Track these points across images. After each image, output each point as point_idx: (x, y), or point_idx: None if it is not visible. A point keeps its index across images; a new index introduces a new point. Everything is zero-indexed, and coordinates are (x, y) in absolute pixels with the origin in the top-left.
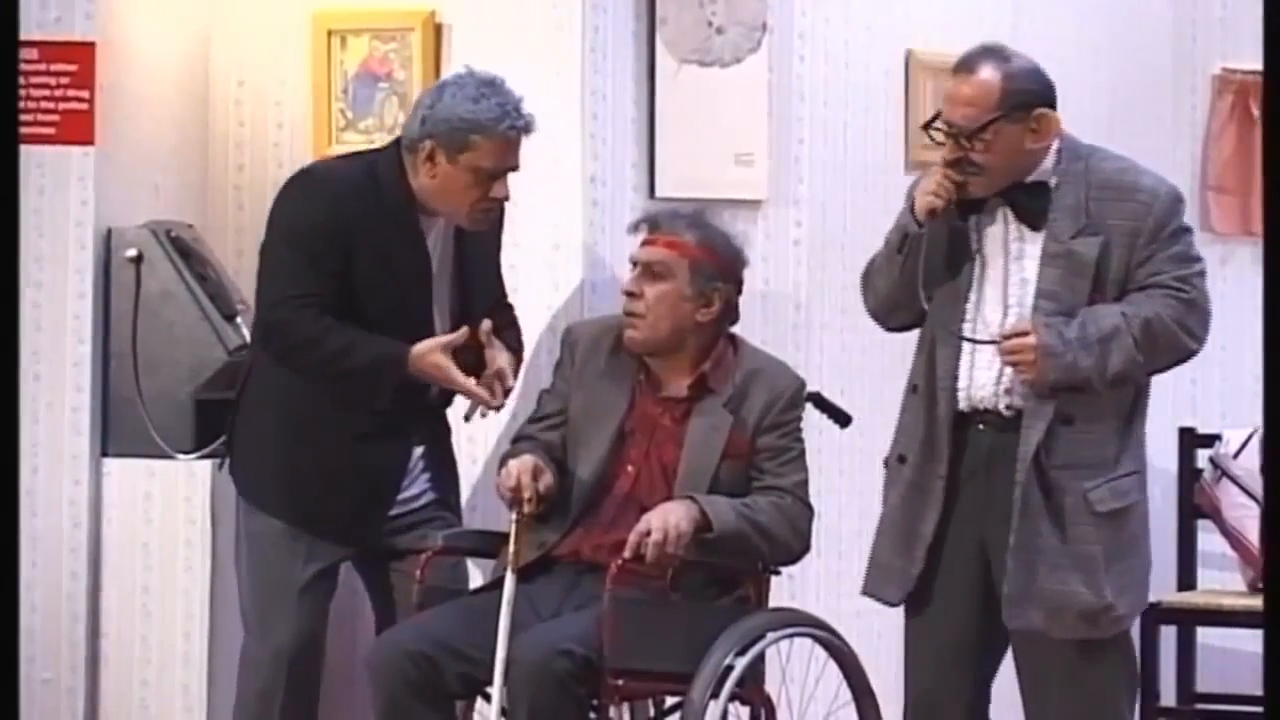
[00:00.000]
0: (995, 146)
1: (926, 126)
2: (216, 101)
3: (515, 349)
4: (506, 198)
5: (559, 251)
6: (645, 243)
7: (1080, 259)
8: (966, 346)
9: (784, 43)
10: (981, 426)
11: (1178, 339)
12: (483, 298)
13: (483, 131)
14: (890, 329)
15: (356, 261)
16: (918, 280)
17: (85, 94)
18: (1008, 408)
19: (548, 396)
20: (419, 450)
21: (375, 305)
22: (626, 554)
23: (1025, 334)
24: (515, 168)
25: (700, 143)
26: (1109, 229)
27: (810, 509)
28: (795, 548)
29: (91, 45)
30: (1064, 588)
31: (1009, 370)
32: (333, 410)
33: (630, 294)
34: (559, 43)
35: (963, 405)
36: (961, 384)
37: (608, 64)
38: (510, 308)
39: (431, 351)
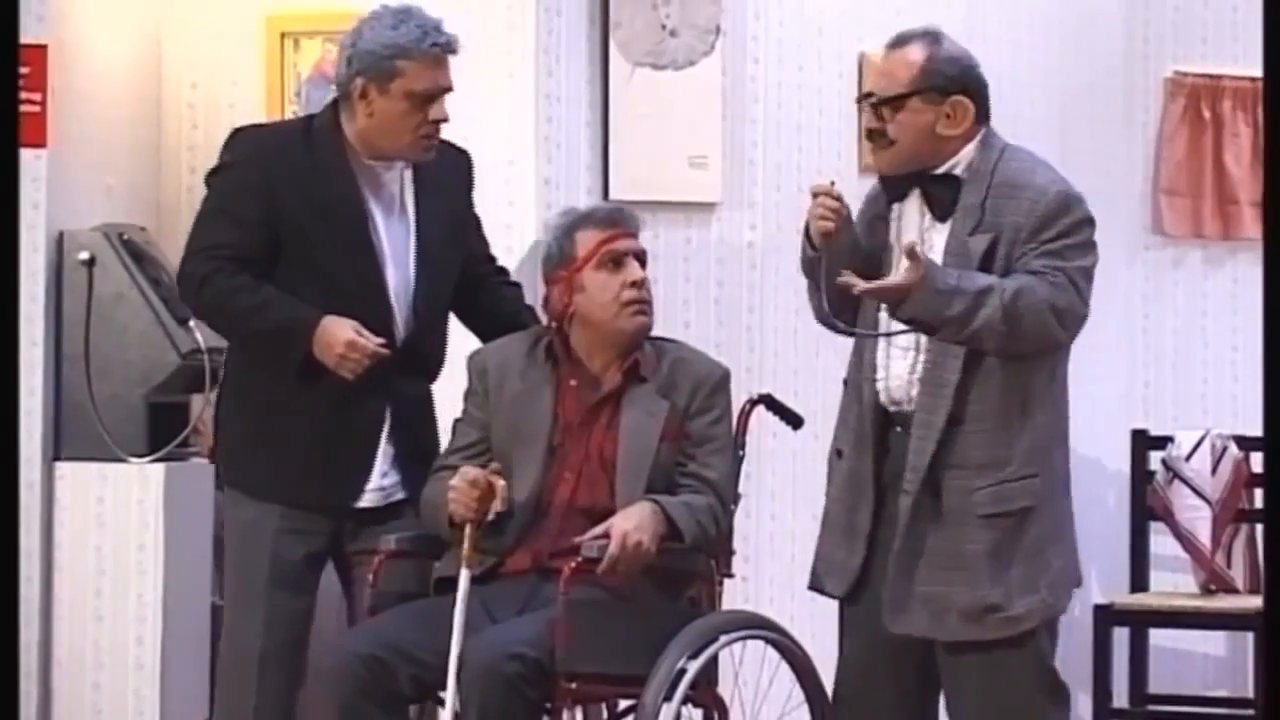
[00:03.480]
0: (904, 121)
1: (859, 101)
2: (169, 104)
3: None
4: (445, 119)
5: (512, 254)
6: (624, 235)
7: (972, 255)
8: (883, 340)
9: (737, 45)
10: (899, 429)
11: (1044, 317)
12: (446, 257)
13: (407, 55)
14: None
15: (284, 210)
16: (828, 297)
17: (37, 96)
18: (913, 400)
19: (463, 426)
20: (388, 411)
21: (313, 254)
22: (601, 569)
23: (906, 277)
24: (448, 88)
25: (654, 145)
26: (1000, 226)
27: (725, 502)
28: (715, 542)
29: (43, 47)
30: (944, 589)
31: (922, 362)
32: (300, 379)
33: (640, 283)
34: (512, 45)
35: (882, 399)
36: (879, 375)
37: (561, 67)
38: (504, 270)
39: (342, 327)
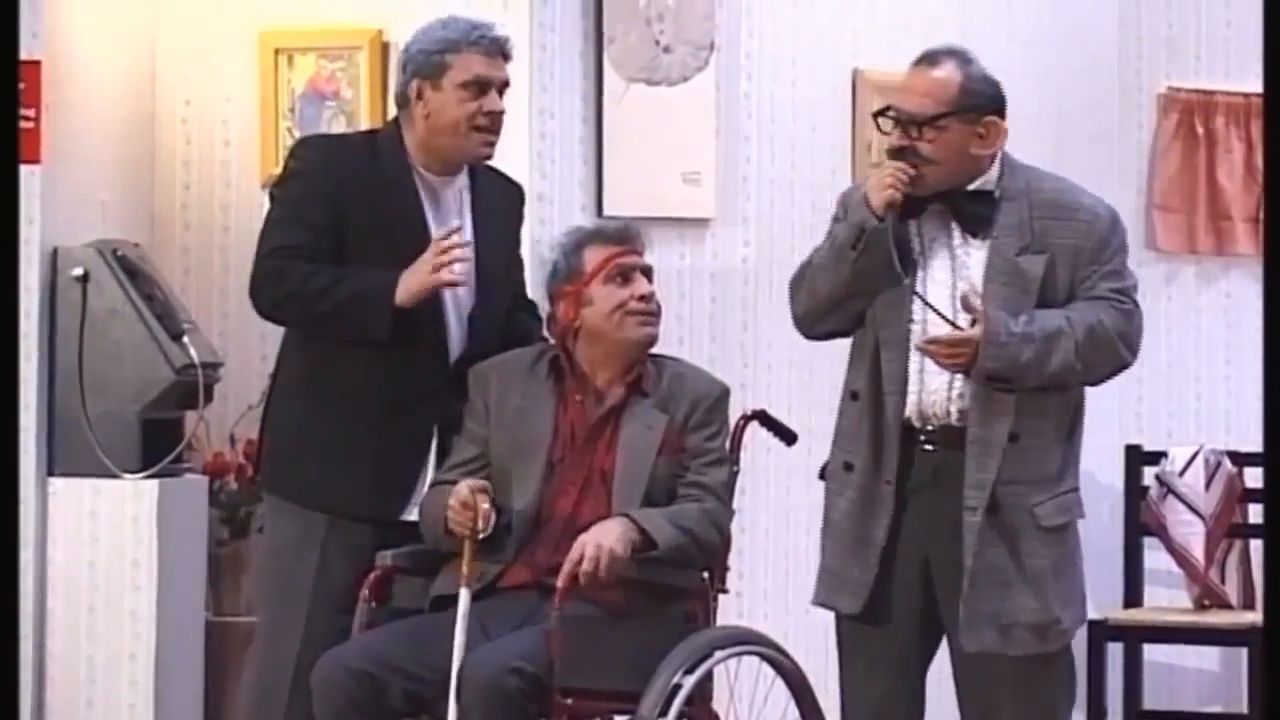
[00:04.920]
0: (943, 141)
1: (878, 115)
2: (163, 120)
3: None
4: (500, 111)
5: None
6: (632, 251)
7: (1027, 275)
8: (914, 352)
9: (731, 62)
10: (929, 446)
11: (1116, 348)
12: (500, 276)
13: (456, 49)
14: (813, 337)
15: (350, 220)
16: (876, 275)
17: (31, 112)
18: (959, 415)
19: (462, 441)
20: (436, 427)
21: (374, 264)
22: (561, 581)
23: (970, 332)
24: (503, 82)
25: (648, 161)
26: (1053, 247)
27: (730, 509)
28: (717, 549)
29: (37, 64)
30: (1013, 604)
31: (963, 380)
32: (352, 389)
33: (649, 297)
34: None
35: (910, 413)
36: (912, 389)
37: (555, 83)
38: (532, 303)
39: (418, 262)
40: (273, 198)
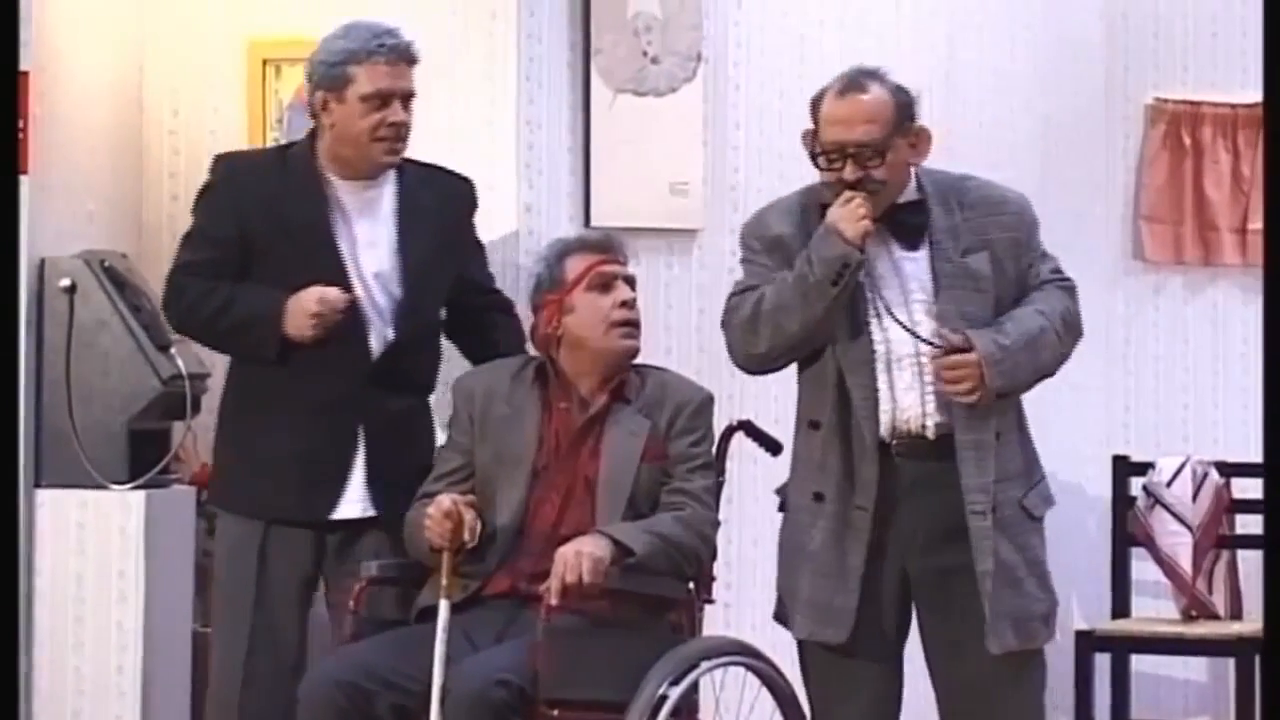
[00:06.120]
0: (893, 161)
1: (815, 156)
2: (151, 130)
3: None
4: (402, 122)
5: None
6: (614, 260)
7: (977, 275)
8: (881, 372)
9: (719, 72)
10: (899, 457)
11: (1079, 328)
12: (429, 272)
13: (356, 60)
14: (761, 373)
15: (254, 232)
16: (851, 309)
17: (19, 123)
18: (935, 428)
19: (446, 452)
20: (361, 426)
21: (280, 274)
22: (553, 598)
23: (963, 350)
24: (407, 92)
25: (636, 172)
26: (992, 244)
27: (715, 515)
28: (703, 554)
29: (25, 74)
30: (1027, 599)
31: (930, 390)
32: (276, 395)
33: (630, 304)
34: (494, 73)
35: (884, 432)
36: (884, 408)
37: (543, 94)
38: (505, 302)
39: (308, 293)
40: (193, 213)
